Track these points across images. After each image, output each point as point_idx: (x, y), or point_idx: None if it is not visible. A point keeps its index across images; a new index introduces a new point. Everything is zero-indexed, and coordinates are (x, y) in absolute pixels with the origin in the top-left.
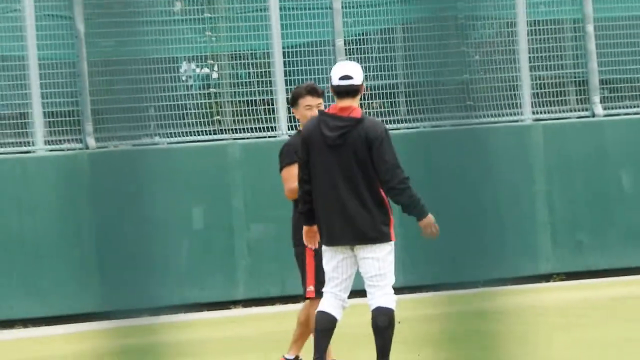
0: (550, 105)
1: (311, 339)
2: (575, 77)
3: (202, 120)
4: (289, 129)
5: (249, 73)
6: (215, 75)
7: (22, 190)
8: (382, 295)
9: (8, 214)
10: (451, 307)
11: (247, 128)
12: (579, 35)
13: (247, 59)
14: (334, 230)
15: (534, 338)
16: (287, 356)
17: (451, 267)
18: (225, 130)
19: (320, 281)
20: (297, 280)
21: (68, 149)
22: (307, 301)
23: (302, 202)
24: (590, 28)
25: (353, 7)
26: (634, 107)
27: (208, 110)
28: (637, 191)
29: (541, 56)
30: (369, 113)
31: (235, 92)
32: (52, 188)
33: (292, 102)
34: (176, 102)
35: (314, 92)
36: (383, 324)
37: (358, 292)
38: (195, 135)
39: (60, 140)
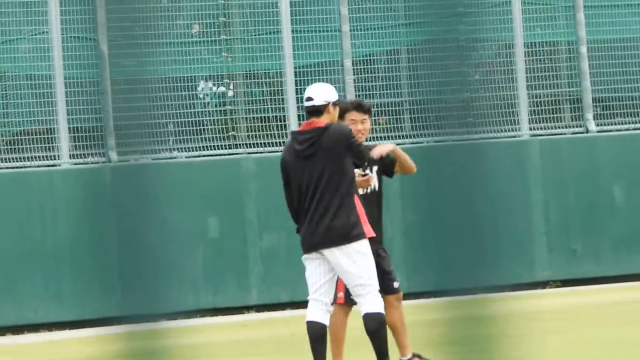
0: (546, 122)
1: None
2: (569, 96)
3: (218, 135)
4: None
5: (263, 91)
6: (230, 93)
7: (47, 202)
8: (366, 302)
9: (34, 224)
10: (451, 312)
11: (261, 143)
12: (573, 56)
13: (261, 78)
14: (307, 238)
15: (530, 342)
16: (403, 359)
17: (451, 274)
18: (239, 145)
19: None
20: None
21: (91, 163)
22: (386, 300)
23: (295, 220)
24: (583, 49)
25: (361, 29)
26: (625, 123)
27: (224, 126)
28: (628, 202)
29: (537, 76)
30: (376, 129)
31: (249, 109)
32: (76, 199)
33: (340, 116)
34: (194, 119)
35: (359, 107)
36: (372, 328)
37: None
38: (211, 149)
39: (84, 154)
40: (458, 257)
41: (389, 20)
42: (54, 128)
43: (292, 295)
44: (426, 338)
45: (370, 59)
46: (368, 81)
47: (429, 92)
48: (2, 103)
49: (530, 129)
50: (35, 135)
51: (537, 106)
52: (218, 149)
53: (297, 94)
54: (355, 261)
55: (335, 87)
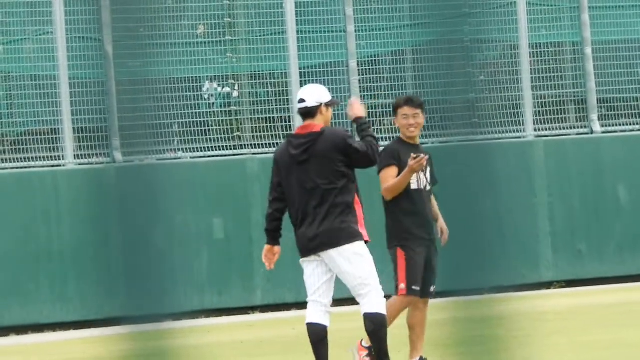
0: (551, 123)
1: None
2: (574, 96)
3: (223, 136)
4: None
5: (268, 92)
6: (235, 94)
7: (52, 202)
8: (366, 302)
9: (39, 224)
10: (456, 313)
11: (266, 143)
12: (578, 57)
13: (266, 78)
14: (304, 242)
15: (534, 342)
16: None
17: (456, 274)
18: (244, 145)
19: (410, 279)
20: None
21: (96, 163)
22: (398, 297)
23: (269, 221)
24: (588, 50)
25: (366, 30)
26: (630, 124)
27: (229, 127)
28: (632, 203)
29: (542, 77)
30: (381, 130)
31: (254, 109)
32: (81, 200)
33: (393, 112)
34: (199, 119)
35: (410, 102)
36: (371, 329)
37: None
38: (216, 150)
39: (89, 155)
40: (463, 257)
41: (394, 21)
42: (58, 128)
43: (297, 296)
44: (432, 338)
45: (375, 60)
46: (373, 82)
47: (434, 93)
48: (7, 103)
49: (535, 130)
50: (40, 135)
51: (542, 107)
52: (223, 149)
53: None
54: (352, 262)
55: (341, 87)
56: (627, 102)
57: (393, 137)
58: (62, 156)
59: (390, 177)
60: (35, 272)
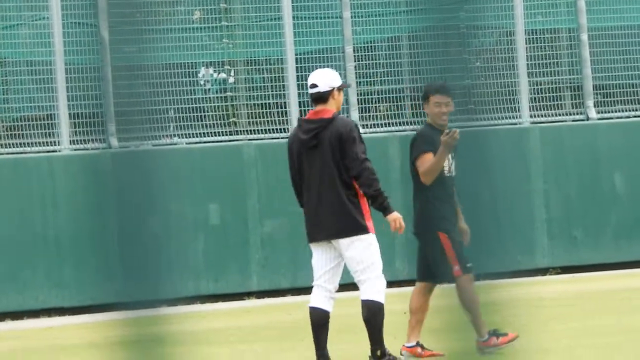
0: (547, 109)
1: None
2: (570, 83)
3: (218, 122)
4: None
5: (264, 78)
6: (231, 79)
7: (47, 187)
8: (365, 289)
9: (35, 210)
10: (452, 299)
11: (261, 129)
12: (574, 43)
13: (262, 64)
14: (312, 228)
15: (530, 328)
16: (407, 344)
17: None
18: (240, 131)
19: (462, 259)
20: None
21: (92, 149)
22: (418, 285)
23: (300, 204)
24: (584, 37)
25: (362, 16)
26: (626, 111)
27: (224, 113)
28: (628, 190)
29: (538, 63)
30: (377, 116)
31: (250, 95)
32: (77, 185)
33: (423, 97)
34: (194, 105)
35: (443, 90)
36: (365, 315)
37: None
38: (212, 136)
39: (84, 140)
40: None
41: (390, 7)
42: (54, 114)
43: (292, 282)
44: (427, 324)
45: (371, 46)
46: (369, 68)
47: (430, 79)
48: (3, 89)
49: (531, 117)
50: (36, 121)
51: (538, 93)
52: (219, 135)
53: (298, 80)
54: (357, 248)
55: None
56: (623, 88)
57: (388, 124)
58: (58, 142)
59: (426, 162)
60: (31, 257)
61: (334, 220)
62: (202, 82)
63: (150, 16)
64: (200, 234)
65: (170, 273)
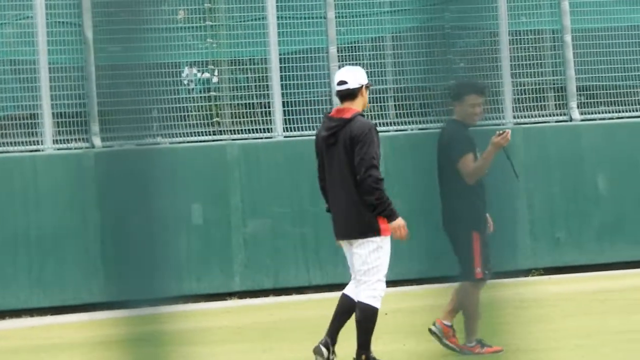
0: (531, 110)
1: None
2: (554, 84)
3: (202, 121)
4: (284, 131)
5: (247, 78)
6: (215, 79)
7: (30, 187)
8: (362, 290)
9: (17, 209)
10: (435, 300)
11: (245, 129)
12: (558, 44)
13: (246, 64)
14: (334, 226)
15: (513, 329)
16: (445, 322)
17: (436, 262)
18: (224, 131)
19: (485, 264)
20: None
21: (75, 148)
22: (472, 284)
23: (325, 200)
24: (568, 38)
25: (346, 17)
26: (609, 112)
27: (208, 113)
28: (611, 191)
29: (522, 64)
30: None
31: (234, 95)
32: (60, 185)
33: (456, 96)
34: (178, 105)
35: (480, 91)
36: (357, 318)
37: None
38: (195, 135)
39: (68, 140)
40: (441, 246)
41: (374, 7)
42: (37, 113)
43: (275, 282)
44: (410, 325)
45: (355, 46)
46: None
47: (413, 80)
48: None
49: (515, 117)
50: (19, 120)
51: (522, 94)
52: (202, 135)
53: (282, 80)
54: (365, 248)
55: (320, 74)
56: (606, 89)
57: (378, 124)
58: (41, 141)
59: (471, 163)
60: (13, 257)
61: (346, 222)
62: (185, 82)
63: (134, 16)
64: (183, 234)
65: (153, 273)
